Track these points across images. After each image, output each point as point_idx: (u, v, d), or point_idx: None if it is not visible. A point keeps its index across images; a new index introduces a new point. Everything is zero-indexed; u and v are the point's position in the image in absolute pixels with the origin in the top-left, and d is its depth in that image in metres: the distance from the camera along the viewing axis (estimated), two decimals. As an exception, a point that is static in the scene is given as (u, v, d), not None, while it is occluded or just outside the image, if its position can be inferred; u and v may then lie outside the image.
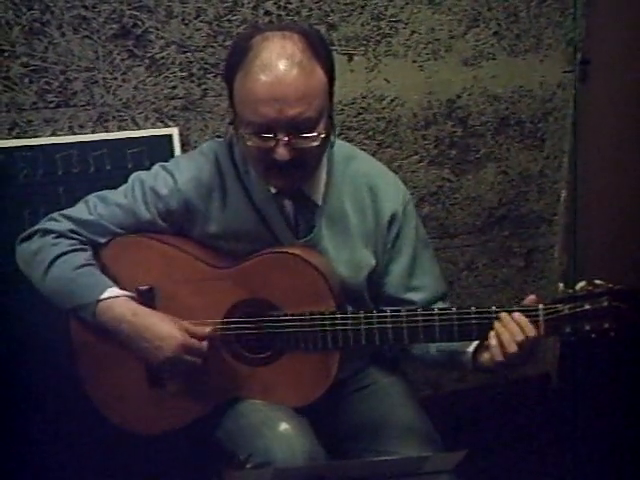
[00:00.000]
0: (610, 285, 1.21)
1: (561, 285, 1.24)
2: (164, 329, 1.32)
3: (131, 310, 1.33)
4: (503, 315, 1.23)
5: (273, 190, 1.37)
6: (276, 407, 1.36)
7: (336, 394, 1.43)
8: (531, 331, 1.22)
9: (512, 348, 1.21)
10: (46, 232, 1.40)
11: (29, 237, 1.42)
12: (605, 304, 1.20)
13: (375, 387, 1.49)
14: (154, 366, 1.36)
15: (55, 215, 1.42)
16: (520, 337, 1.21)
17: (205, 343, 1.33)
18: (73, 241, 1.39)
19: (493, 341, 1.23)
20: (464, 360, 1.34)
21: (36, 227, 1.42)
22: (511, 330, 1.22)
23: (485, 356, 1.28)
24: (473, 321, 1.25)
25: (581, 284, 1.23)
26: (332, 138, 1.32)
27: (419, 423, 1.43)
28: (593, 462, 2.04)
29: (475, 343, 1.31)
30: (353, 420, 1.46)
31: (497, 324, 1.24)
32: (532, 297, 1.26)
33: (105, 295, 1.33)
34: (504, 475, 2.01)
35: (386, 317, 1.29)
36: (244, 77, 1.23)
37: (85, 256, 1.38)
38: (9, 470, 1.83)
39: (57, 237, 1.39)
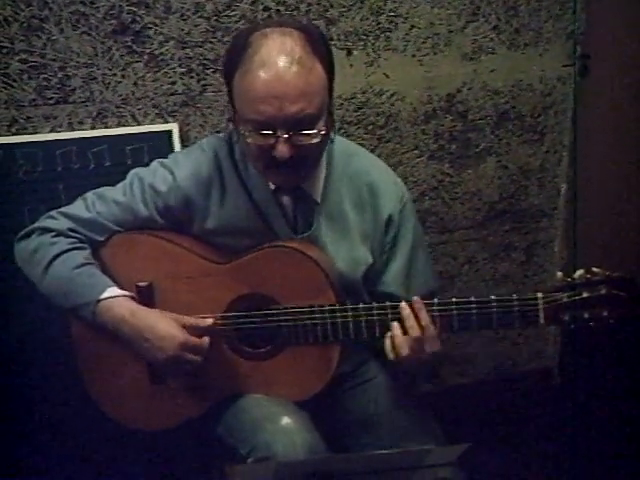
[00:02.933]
0: (608, 273, 1.21)
1: (559, 274, 1.24)
2: (164, 329, 1.31)
3: (130, 310, 1.33)
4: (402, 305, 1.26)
5: (272, 186, 1.37)
6: (277, 402, 1.36)
7: (337, 388, 1.43)
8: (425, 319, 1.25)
9: (415, 332, 1.25)
10: (44, 230, 1.39)
11: (27, 235, 1.41)
12: (603, 292, 1.20)
13: (376, 381, 1.49)
14: (156, 365, 1.36)
15: (53, 213, 1.42)
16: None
17: (206, 340, 1.33)
18: (72, 239, 1.38)
19: (397, 331, 1.26)
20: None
21: (34, 225, 1.41)
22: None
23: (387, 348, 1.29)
24: (473, 312, 1.26)
25: (579, 272, 1.23)
26: (332, 135, 1.32)
27: (420, 417, 1.42)
28: (594, 456, 2.04)
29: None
30: (354, 414, 1.45)
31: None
32: None
33: (105, 295, 1.32)
34: (505, 469, 2.01)
35: (386, 309, 1.29)
36: (243, 74, 1.22)
37: (84, 255, 1.37)
38: (9, 468, 1.83)
39: (56, 236, 1.38)
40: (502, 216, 2.26)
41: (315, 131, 1.24)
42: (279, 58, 1.20)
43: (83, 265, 1.35)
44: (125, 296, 1.34)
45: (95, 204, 1.40)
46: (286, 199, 1.39)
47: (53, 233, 1.39)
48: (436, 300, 1.29)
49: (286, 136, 1.22)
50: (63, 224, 1.39)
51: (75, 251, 1.37)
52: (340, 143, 1.43)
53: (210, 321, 1.34)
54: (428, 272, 1.48)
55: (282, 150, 1.23)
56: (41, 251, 1.37)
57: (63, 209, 1.42)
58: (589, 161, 2.25)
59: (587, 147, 2.23)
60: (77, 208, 1.41)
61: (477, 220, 2.24)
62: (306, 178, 1.35)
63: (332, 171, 1.40)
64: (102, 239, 1.40)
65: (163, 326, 1.32)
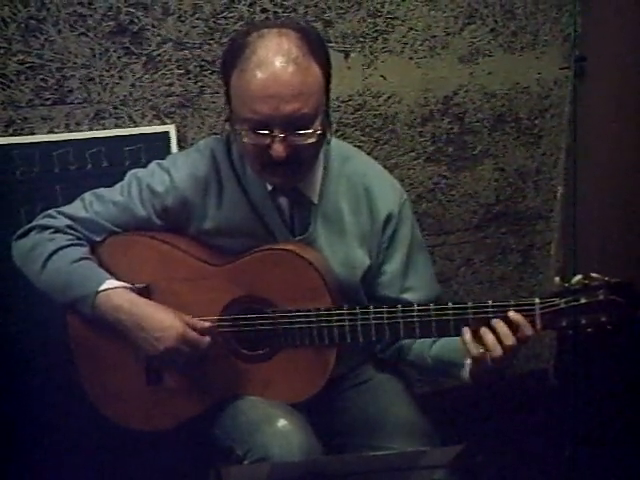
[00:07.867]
0: (606, 278, 1.20)
1: (557, 279, 1.23)
2: (164, 319, 1.31)
3: (129, 300, 1.32)
4: (495, 321, 1.22)
5: (269, 187, 1.37)
6: (274, 403, 1.36)
7: (333, 390, 1.43)
8: (526, 331, 1.21)
9: (497, 352, 1.21)
10: (43, 228, 1.40)
11: (25, 234, 1.41)
12: (601, 297, 1.19)
13: (372, 383, 1.49)
14: (153, 358, 1.35)
15: (51, 212, 1.42)
16: (508, 340, 1.21)
17: (207, 339, 1.32)
18: (70, 236, 1.38)
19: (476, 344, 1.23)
20: (462, 374, 1.33)
21: (32, 224, 1.42)
22: (499, 332, 1.22)
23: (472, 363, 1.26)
24: (469, 316, 1.25)
25: (577, 278, 1.22)
26: (328, 135, 1.32)
27: (416, 418, 1.42)
28: (591, 458, 2.04)
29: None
30: (350, 415, 1.46)
31: (483, 329, 1.23)
32: None
33: (103, 287, 1.32)
34: (501, 470, 2.01)
35: (382, 312, 1.29)
36: (240, 74, 1.23)
37: (82, 250, 1.38)
38: (9, 468, 1.83)
39: (54, 232, 1.38)
40: (499, 218, 2.26)
41: (311, 131, 1.24)
42: (276, 58, 1.20)
43: (81, 259, 1.36)
44: (124, 287, 1.34)
45: (93, 204, 1.40)
46: (283, 200, 1.39)
47: (51, 230, 1.39)
48: (432, 305, 1.28)
49: (282, 136, 1.22)
50: (61, 222, 1.39)
51: (73, 247, 1.37)
52: (337, 145, 1.43)
53: (208, 324, 1.34)
54: (428, 276, 1.46)
55: (278, 150, 1.23)
56: (39, 248, 1.37)
57: (61, 208, 1.42)
58: (586, 164, 2.25)
59: (584, 150, 2.23)
60: (75, 208, 1.41)
61: (474, 222, 2.24)
62: (302, 178, 1.35)
63: (329, 172, 1.40)
64: (99, 239, 1.40)
65: (163, 317, 1.31)
